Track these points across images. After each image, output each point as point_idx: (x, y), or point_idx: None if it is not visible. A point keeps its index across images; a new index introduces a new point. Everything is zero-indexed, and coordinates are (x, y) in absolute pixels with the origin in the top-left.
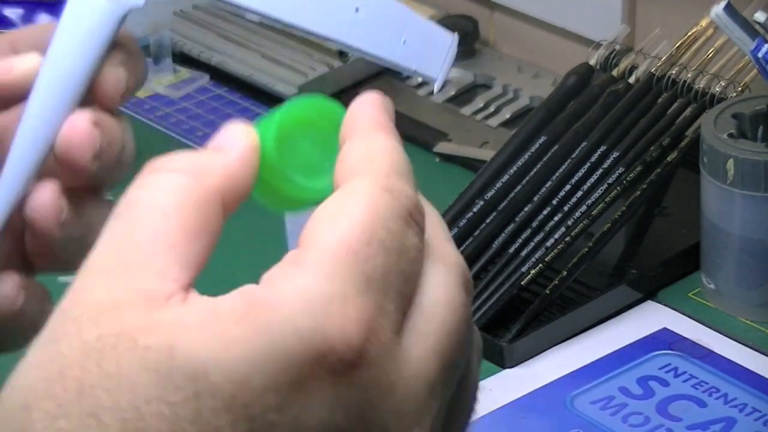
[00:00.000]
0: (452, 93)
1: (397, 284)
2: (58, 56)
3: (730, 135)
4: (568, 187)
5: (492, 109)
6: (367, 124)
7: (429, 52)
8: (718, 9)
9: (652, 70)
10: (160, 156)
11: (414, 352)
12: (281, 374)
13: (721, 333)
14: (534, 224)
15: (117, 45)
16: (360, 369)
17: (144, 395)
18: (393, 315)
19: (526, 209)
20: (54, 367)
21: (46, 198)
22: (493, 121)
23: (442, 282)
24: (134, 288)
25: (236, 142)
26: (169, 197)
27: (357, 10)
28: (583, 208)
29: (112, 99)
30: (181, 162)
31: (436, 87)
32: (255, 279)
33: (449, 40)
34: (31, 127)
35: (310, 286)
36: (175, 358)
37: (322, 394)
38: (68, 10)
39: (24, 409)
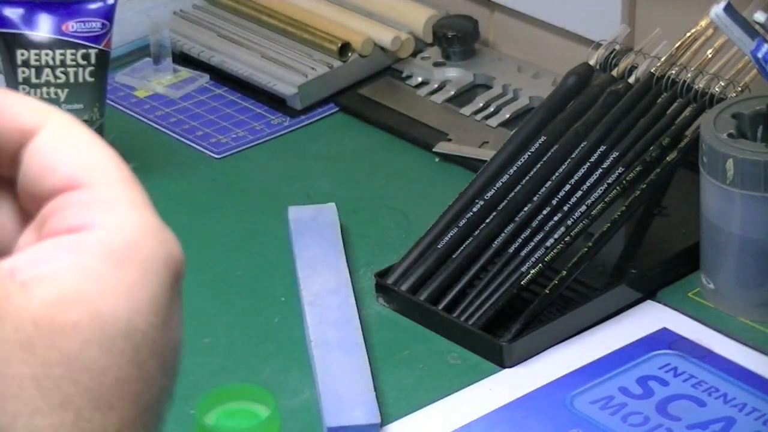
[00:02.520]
0: (452, 93)
1: None
2: None
3: (730, 135)
4: (567, 187)
5: (492, 109)
6: None
7: None
8: (718, 9)
9: (651, 70)
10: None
11: None
12: (170, 304)
13: (720, 333)
14: (534, 224)
15: None
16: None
17: (98, 369)
18: None
19: (525, 209)
20: None
21: None
22: (493, 121)
23: None
24: None
25: None
26: None
27: None
28: (583, 208)
29: None
30: None
31: None
32: (255, 278)
33: None
34: None
35: (138, 221)
36: (107, 324)
37: (180, 306)
38: None
39: None
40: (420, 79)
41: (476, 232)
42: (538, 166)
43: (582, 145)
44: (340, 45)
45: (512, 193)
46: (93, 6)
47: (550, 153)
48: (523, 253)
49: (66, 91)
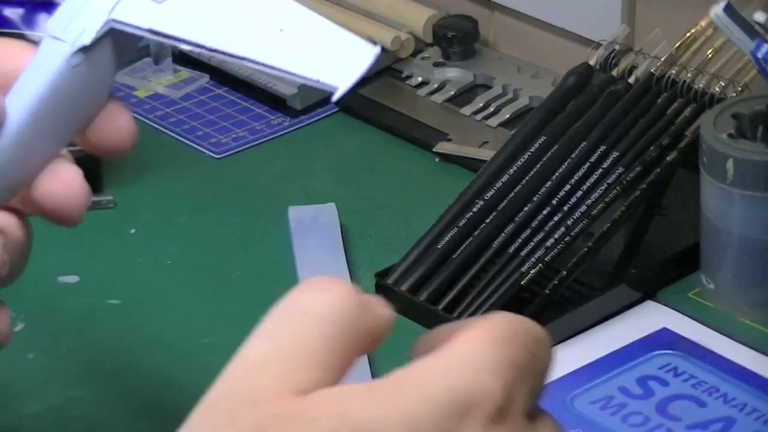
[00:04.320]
0: (452, 93)
1: (530, 385)
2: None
3: (730, 135)
4: (567, 187)
5: (492, 109)
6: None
7: (341, 64)
8: (717, 9)
9: (651, 70)
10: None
11: None
12: (437, 429)
13: (721, 333)
14: (534, 224)
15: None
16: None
17: None
18: (525, 402)
19: (525, 209)
20: None
21: None
22: (493, 121)
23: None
24: (291, 384)
25: (386, 309)
26: (336, 316)
27: (281, 30)
28: (583, 208)
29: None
30: (342, 287)
31: (334, 97)
32: (255, 279)
33: (367, 51)
34: None
35: (450, 360)
36: (347, 423)
37: None
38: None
39: None
40: (420, 79)
41: (476, 232)
42: (538, 166)
43: (582, 145)
44: None
45: (512, 193)
46: None
47: (550, 153)
48: (523, 253)
49: None
